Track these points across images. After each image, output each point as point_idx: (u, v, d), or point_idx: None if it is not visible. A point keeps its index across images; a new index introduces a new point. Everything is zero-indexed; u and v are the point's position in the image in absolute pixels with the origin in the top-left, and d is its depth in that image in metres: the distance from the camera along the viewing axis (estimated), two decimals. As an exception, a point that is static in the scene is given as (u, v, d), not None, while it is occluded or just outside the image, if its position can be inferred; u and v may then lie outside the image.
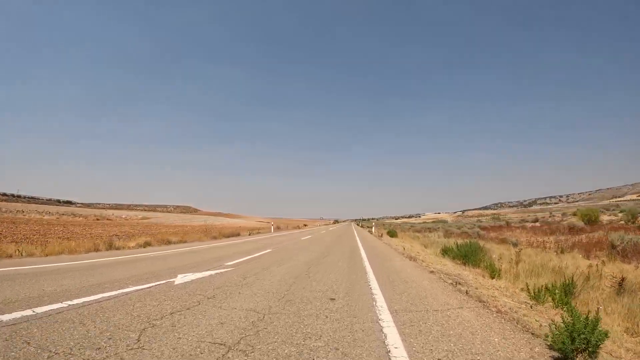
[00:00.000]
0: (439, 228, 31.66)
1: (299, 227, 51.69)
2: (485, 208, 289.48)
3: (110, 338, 2.78)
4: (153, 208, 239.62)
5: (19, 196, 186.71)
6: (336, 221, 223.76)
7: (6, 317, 3.24)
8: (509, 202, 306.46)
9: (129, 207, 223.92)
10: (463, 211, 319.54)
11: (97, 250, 10.22)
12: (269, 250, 11.21)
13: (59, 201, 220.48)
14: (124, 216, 70.36)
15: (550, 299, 4.43)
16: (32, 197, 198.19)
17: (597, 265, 7.10)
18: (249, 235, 24.88)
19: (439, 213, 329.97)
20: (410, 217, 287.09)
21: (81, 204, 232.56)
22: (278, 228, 38.85)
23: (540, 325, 3.39)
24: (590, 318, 2.71)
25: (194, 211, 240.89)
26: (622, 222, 24.04)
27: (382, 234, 26.48)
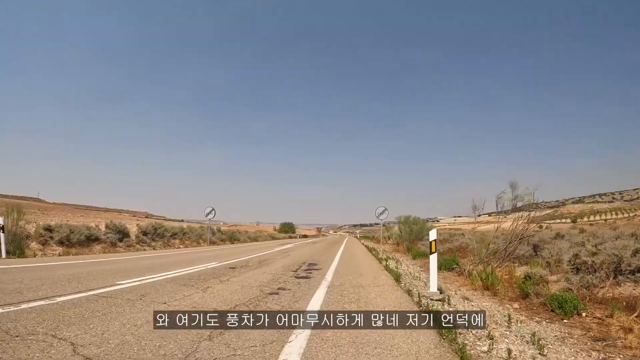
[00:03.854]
0: None
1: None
2: (518, 209, 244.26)
3: None
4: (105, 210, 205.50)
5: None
6: (318, 230, 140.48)
7: None
8: (543, 202, 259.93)
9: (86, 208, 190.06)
10: (489, 214, 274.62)
11: None
12: None
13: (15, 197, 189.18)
14: None
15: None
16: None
17: None
18: None
19: (459, 217, 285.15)
20: (427, 221, 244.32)
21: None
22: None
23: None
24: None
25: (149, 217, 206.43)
26: None
27: None
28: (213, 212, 19.28)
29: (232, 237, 27.13)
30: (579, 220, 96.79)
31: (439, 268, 7.88)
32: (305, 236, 77.08)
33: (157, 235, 17.19)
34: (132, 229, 16.83)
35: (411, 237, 19.77)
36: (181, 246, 17.91)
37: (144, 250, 14.56)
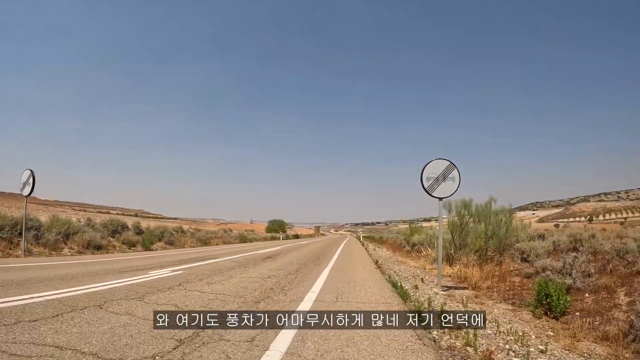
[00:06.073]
0: None
1: None
2: (521, 209, 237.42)
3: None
4: (85, 207, 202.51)
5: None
6: (317, 229, 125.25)
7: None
8: (550, 201, 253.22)
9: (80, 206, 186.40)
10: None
11: None
12: None
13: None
14: None
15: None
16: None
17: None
18: None
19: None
20: (430, 220, 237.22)
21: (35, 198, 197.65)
22: None
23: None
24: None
25: (139, 215, 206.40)
26: None
27: None
28: (31, 179, 9.51)
29: (156, 239, 17.22)
30: (594, 219, 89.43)
31: None
32: (297, 236, 68.49)
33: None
34: None
35: (485, 247, 9.22)
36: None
37: None
